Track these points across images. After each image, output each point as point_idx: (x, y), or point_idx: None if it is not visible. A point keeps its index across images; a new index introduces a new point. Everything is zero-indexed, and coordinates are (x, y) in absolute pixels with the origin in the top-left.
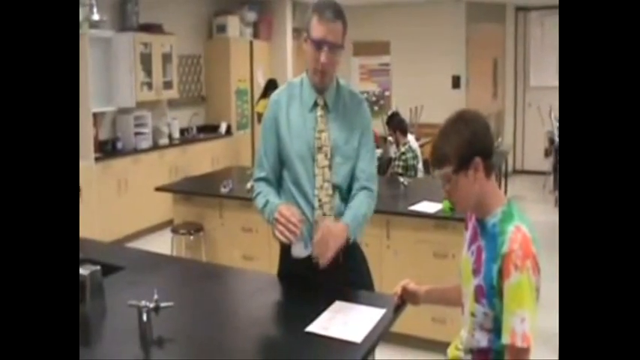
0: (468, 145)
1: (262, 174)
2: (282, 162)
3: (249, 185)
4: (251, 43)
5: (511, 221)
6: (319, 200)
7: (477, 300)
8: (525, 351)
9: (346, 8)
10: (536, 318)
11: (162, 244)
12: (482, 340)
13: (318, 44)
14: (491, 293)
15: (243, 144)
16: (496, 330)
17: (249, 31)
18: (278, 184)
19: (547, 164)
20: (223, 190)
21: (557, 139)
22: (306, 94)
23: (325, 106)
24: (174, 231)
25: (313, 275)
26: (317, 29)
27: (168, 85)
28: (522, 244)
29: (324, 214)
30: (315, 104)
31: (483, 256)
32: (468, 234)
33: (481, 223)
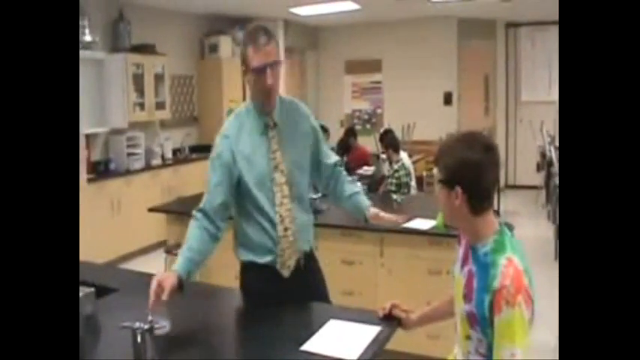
0: (452, 170)
1: (204, 206)
2: (239, 191)
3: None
4: None
5: (503, 252)
6: (280, 216)
7: (471, 326)
8: None
9: (338, 27)
10: (527, 352)
11: (156, 264)
12: None
13: (261, 71)
14: (484, 323)
15: None
16: (490, 357)
17: None
18: (238, 212)
19: (539, 179)
20: None
21: (548, 153)
22: (255, 121)
23: (275, 125)
24: (168, 251)
25: (273, 285)
26: (255, 59)
27: (160, 105)
28: (514, 279)
29: (286, 228)
30: (266, 127)
31: (474, 283)
32: (460, 251)
33: (473, 248)
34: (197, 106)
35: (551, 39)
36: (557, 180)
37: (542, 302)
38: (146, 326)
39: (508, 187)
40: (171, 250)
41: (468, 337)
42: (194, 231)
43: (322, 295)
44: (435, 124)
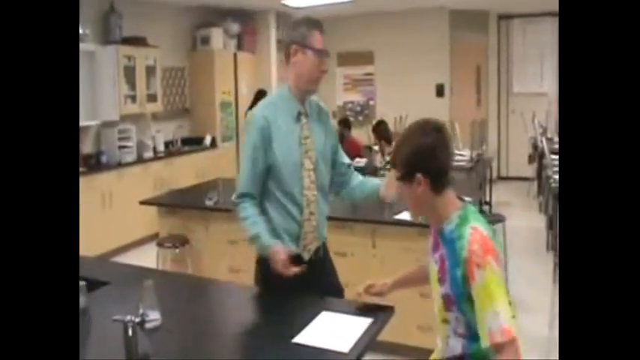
0: (410, 160)
1: (248, 189)
2: (269, 175)
3: (234, 197)
4: (235, 55)
5: (467, 224)
6: (307, 200)
7: (447, 308)
8: (509, 343)
9: (330, 19)
10: (510, 309)
11: (147, 258)
12: (457, 347)
13: (322, 53)
14: (460, 299)
15: (228, 156)
16: (470, 334)
17: (233, 42)
18: (262, 195)
19: (531, 170)
20: (209, 203)
21: (540, 144)
22: (291, 106)
23: (306, 114)
24: (160, 244)
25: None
26: (319, 41)
27: (152, 97)
28: (481, 243)
29: (311, 213)
30: (299, 113)
31: (446, 263)
32: (430, 241)
33: (440, 231)
34: (189, 98)
35: (542, 31)
36: (549, 171)
37: (534, 292)
38: (137, 319)
39: (500, 178)
40: (162, 243)
41: (445, 321)
42: (252, 210)
43: (337, 284)
44: (427, 116)
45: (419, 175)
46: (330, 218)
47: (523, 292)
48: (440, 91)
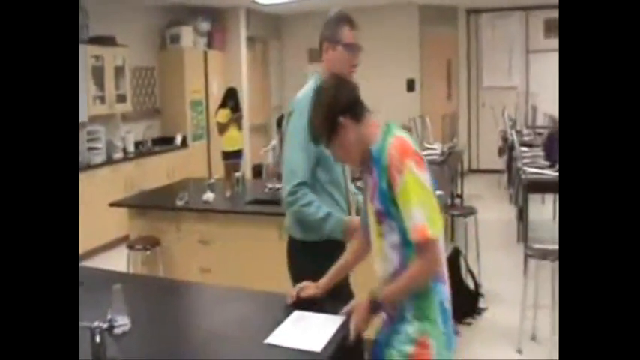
0: (327, 115)
1: (304, 179)
2: (317, 162)
3: (205, 197)
4: (205, 53)
5: (390, 137)
6: (348, 190)
7: (380, 222)
8: (426, 244)
9: (300, 15)
10: (432, 209)
11: (118, 261)
12: (395, 259)
13: (352, 48)
14: (388, 204)
15: (199, 155)
16: (403, 241)
17: (203, 41)
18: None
19: (501, 163)
20: (179, 203)
21: (510, 137)
22: None
23: None
24: (130, 247)
25: (329, 264)
26: (351, 36)
27: (121, 98)
28: (399, 148)
29: (350, 202)
30: None
31: (376, 181)
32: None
33: (369, 153)
34: (159, 97)
35: (511, 25)
36: (518, 163)
37: (505, 284)
38: (105, 325)
39: (471, 171)
40: (133, 245)
41: (381, 235)
42: (312, 197)
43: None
44: (399, 111)
45: (340, 119)
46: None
47: (494, 283)
48: (410, 86)
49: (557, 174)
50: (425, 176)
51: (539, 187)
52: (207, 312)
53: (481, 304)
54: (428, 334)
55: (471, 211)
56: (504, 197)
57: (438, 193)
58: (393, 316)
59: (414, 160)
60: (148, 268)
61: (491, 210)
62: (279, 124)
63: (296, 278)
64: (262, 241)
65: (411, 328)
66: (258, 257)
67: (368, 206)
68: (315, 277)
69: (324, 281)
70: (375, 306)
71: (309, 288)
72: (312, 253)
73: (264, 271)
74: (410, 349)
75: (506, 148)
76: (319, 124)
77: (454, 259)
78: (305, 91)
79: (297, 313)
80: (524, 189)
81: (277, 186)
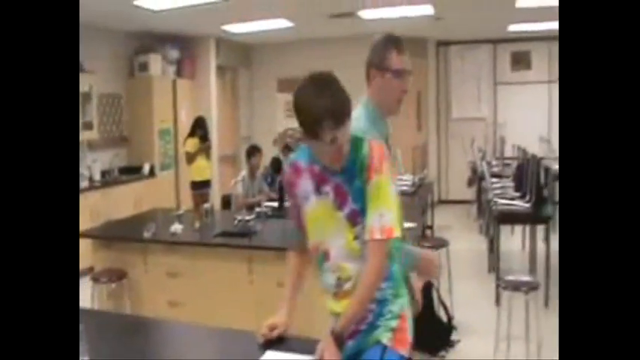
0: (315, 117)
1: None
2: None
3: (173, 229)
4: (174, 81)
5: (362, 140)
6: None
7: (354, 224)
8: (385, 243)
9: (270, 45)
10: (399, 215)
11: (81, 293)
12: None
13: (401, 74)
14: (363, 202)
15: (166, 185)
16: None
17: (172, 69)
18: None
19: (470, 193)
20: (147, 235)
21: (480, 168)
22: (382, 126)
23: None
24: (95, 279)
25: None
26: (398, 61)
27: (87, 125)
28: (378, 150)
29: None
30: (388, 136)
31: (344, 186)
32: (305, 184)
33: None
34: (126, 125)
35: (480, 57)
36: (489, 194)
37: (478, 315)
38: None
39: (441, 202)
40: (98, 277)
41: (356, 237)
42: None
43: None
44: None
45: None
46: (271, 248)
47: (467, 315)
48: None
49: (527, 205)
50: (394, 186)
51: (509, 218)
52: (175, 353)
53: (454, 336)
54: (405, 307)
55: (442, 243)
56: (474, 228)
57: (410, 225)
58: (366, 316)
59: (389, 165)
60: (114, 302)
61: (462, 240)
62: (248, 154)
63: None
64: (231, 275)
65: (394, 307)
66: (228, 290)
67: (331, 215)
68: None
69: (285, 313)
70: (341, 341)
71: (280, 326)
72: None
73: (233, 305)
74: (395, 323)
75: (476, 179)
76: (308, 121)
77: (427, 291)
78: (358, 121)
79: (269, 353)
80: (495, 220)
81: (247, 217)
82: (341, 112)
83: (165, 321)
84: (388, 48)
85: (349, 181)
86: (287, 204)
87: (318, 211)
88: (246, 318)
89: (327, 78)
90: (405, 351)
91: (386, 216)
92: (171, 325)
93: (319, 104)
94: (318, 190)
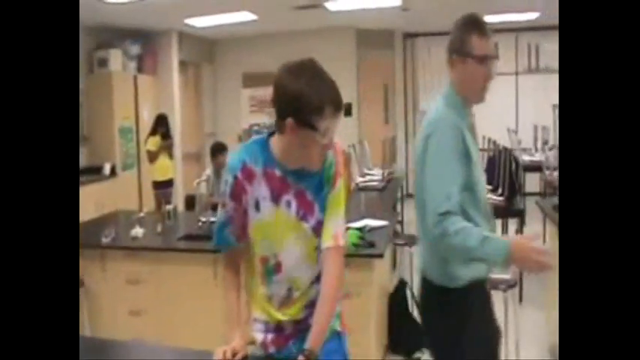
0: (279, 106)
1: (452, 207)
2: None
3: (133, 233)
4: (135, 77)
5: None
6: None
7: (318, 235)
8: (343, 247)
9: (235, 39)
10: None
11: None
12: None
13: (484, 60)
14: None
15: (129, 185)
16: None
17: (133, 65)
18: None
19: None
20: (105, 240)
21: None
22: (463, 114)
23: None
24: None
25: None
26: (481, 46)
27: None
28: (341, 153)
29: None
30: (472, 125)
31: (308, 193)
32: (262, 190)
33: (295, 171)
34: (85, 124)
35: (444, 49)
36: None
37: None
38: None
39: (409, 195)
40: None
41: (316, 248)
42: (465, 225)
43: None
44: (336, 136)
45: (289, 120)
46: None
47: None
48: (347, 111)
49: (500, 198)
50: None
51: None
52: None
53: None
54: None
55: (414, 241)
56: None
57: (382, 223)
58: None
59: (346, 166)
60: None
61: None
62: (213, 152)
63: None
64: (196, 280)
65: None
66: (193, 297)
67: (292, 227)
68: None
69: (240, 336)
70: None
71: (240, 350)
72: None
73: (199, 312)
74: (337, 323)
75: None
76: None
77: (400, 291)
78: (438, 110)
79: None
80: None
81: (212, 219)
82: (340, 99)
83: (118, 342)
84: (469, 31)
85: (317, 188)
86: (225, 209)
87: (273, 222)
88: (213, 325)
89: (318, 65)
90: (347, 332)
91: (341, 221)
92: (125, 346)
93: (322, 90)
94: (276, 199)
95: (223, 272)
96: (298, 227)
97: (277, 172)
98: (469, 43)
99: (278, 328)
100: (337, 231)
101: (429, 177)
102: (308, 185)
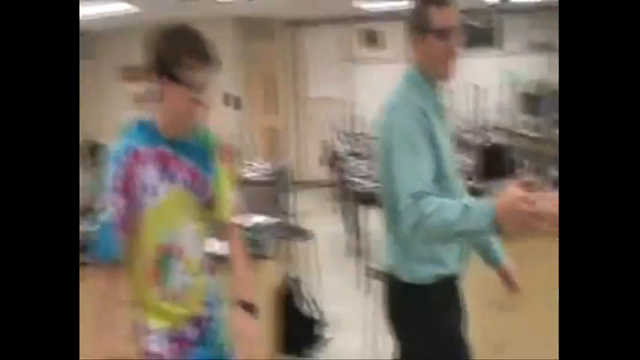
0: (151, 68)
1: (426, 187)
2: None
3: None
4: None
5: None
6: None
7: (212, 209)
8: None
9: (112, 31)
10: None
11: None
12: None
13: (444, 33)
14: (220, 188)
15: None
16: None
17: None
18: None
19: (328, 174)
20: None
21: (335, 149)
22: (427, 93)
23: (443, 109)
24: None
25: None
26: (439, 18)
27: None
28: (227, 148)
29: None
30: (439, 105)
31: (200, 170)
32: (147, 175)
33: (181, 143)
34: None
35: (330, 37)
36: (346, 175)
37: (347, 307)
38: None
39: (298, 183)
40: None
41: (213, 222)
42: (442, 201)
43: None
44: (221, 128)
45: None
46: None
47: (335, 308)
48: (232, 102)
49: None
50: None
51: (371, 199)
52: None
53: (326, 333)
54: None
55: (308, 236)
56: (335, 211)
57: (275, 220)
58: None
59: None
60: None
61: (324, 225)
62: (92, 152)
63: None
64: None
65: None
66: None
67: (186, 205)
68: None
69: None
70: (254, 309)
71: None
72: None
73: None
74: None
75: (333, 160)
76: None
77: (291, 289)
78: (397, 93)
79: None
80: (354, 201)
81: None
82: (208, 50)
83: None
84: (425, 4)
85: (206, 162)
86: (109, 210)
87: (169, 204)
88: None
89: (188, 25)
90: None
91: (234, 196)
92: None
93: (186, 41)
94: (170, 178)
95: (99, 282)
96: (192, 204)
97: (166, 150)
98: (426, 15)
99: (177, 333)
100: (234, 205)
101: (395, 164)
102: (198, 161)
